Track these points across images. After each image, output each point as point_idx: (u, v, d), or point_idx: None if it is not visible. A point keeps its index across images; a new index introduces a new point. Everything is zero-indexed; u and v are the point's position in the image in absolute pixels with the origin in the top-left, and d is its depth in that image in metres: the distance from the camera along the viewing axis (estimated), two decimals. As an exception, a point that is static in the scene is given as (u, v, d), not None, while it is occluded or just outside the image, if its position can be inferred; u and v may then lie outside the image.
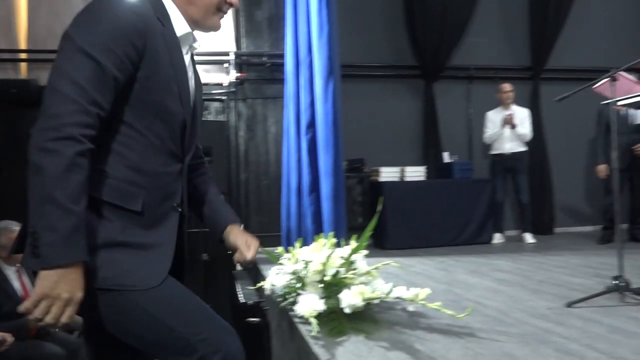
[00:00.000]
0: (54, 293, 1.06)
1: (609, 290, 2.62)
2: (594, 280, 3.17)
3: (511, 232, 6.01)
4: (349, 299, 2.01)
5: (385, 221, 5.12)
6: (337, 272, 2.15)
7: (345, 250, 2.33)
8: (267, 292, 2.32)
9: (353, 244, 2.37)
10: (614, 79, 2.73)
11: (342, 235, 3.77)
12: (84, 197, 1.10)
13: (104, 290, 1.19)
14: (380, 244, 5.25)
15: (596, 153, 5.46)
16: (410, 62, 6.19)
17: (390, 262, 2.37)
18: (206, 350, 1.23)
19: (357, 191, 5.70)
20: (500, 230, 5.61)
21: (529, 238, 5.51)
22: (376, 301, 2.15)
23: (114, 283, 1.19)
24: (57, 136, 1.07)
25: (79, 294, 1.09)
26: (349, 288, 2.08)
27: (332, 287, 2.11)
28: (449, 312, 2.04)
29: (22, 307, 1.08)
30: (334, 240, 2.36)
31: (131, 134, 1.23)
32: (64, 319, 1.08)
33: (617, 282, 2.60)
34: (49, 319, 1.07)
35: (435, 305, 2.06)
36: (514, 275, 3.51)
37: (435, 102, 6.15)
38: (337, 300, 2.06)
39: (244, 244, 1.51)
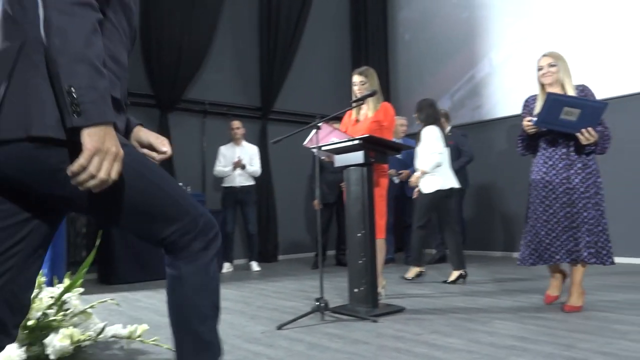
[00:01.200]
0: (104, 147, 1.05)
1: (313, 311, 3.01)
2: (304, 303, 3.58)
3: (240, 261, 6.36)
4: (55, 344, 1.87)
5: (112, 254, 4.89)
6: (45, 314, 1.99)
7: (57, 289, 2.17)
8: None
9: (67, 281, 2.22)
10: (318, 128, 3.20)
11: (61, 271, 3.46)
12: (103, 67, 1.09)
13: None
14: (107, 279, 4.96)
15: (313, 189, 6.23)
16: (145, 91, 6.11)
17: (108, 300, 2.30)
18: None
19: (81, 222, 5.30)
20: (229, 260, 5.89)
21: (255, 266, 5.91)
22: (88, 342, 2.04)
23: None
24: (76, 1, 1.04)
25: (122, 150, 1.09)
26: (58, 331, 1.94)
27: (37, 332, 1.94)
28: (166, 346, 2.07)
29: (75, 166, 1.03)
30: (43, 278, 2.18)
31: (108, 25, 1.22)
32: (114, 174, 1.07)
33: (318, 303, 3.01)
34: (102, 174, 1.05)
35: (152, 340, 2.07)
36: (236, 302, 3.72)
37: (170, 133, 6.17)
38: (43, 346, 1.90)
39: (156, 139, 1.49)
